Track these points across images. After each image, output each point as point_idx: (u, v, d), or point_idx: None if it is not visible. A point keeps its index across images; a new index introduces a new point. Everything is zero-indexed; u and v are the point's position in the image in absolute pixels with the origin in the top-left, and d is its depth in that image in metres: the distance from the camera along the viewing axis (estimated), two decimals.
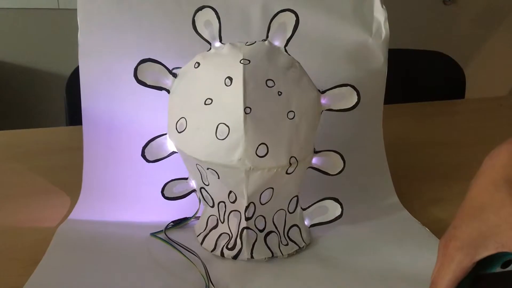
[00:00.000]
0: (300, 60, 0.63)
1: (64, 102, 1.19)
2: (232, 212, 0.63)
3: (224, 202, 0.63)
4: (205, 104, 0.58)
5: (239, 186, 0.59)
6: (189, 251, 0.64)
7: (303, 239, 0.67)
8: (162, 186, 0.68)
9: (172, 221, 0.70)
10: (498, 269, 0.41)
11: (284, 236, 0.66)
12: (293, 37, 0.61)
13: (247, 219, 0.62)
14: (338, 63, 0.82)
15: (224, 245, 0.64)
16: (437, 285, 0.43)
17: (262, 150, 0.57)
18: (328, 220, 0.67)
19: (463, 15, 2.53)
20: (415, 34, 2.26)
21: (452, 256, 0.43)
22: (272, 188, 0.61)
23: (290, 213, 0.66)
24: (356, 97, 0.62)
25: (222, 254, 0.64)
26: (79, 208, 0.73)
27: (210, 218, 0.66)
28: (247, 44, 0.61)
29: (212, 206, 0.65)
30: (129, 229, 0.70)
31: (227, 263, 0.63)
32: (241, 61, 0.58)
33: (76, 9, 0.76)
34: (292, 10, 0.60)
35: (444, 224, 0.71)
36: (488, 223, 0.41)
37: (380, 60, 0.83)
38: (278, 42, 0.62)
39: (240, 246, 0.63)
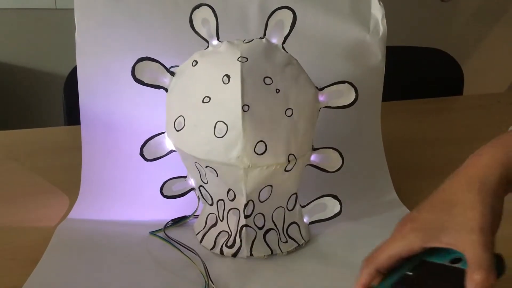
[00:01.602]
0: (298, 58, 0.63)
1: (62, 102, 1.19)
2: (231, 210, 0.63)
3: (223, 200, 0.63)
4: (203, 102, 0.58)
5: (237, 184, 0.59)
6: (188, 249, 0.64)
7: (302, 236, 0.67)
8: (161, 185, 0.68)
9: (171, 220, 0.70)
10: (446, 262, 0.42)
11: (284, 233, 0.66)
12: (291, 34, 0.61)
13: (246, 216, 0.62)
14: (335, 60, 0.82)
15: (223, 243, 0.64)
16: (377, 255, 0.44)
17: (260, 148, 0.57)
18: (327, 217, 0.67)
19: (461, 12, 2.53)
20: (413, 31, 2.26)
21: (405, 234, 0.43)
22: (271, 186, 0.61)
23: (289, 210, 0.66)
24: (354, 94, 0.62)
25: (221, 252, 0.64)
26: (78, 207, 0.73)
27: (209, 216, 0.67)
28: (245, 42, 0.61)
29: (211, 204, 0.65)
30: (128, 227, 0.70)
31: (227, 261, 0.63)
32: (239, 59, 0.58)
33: (73, 9, 0.75)
34: (290, 7, 0.60)
35: None
36: (453, 219, 0.41)
37: (378, 57, 0.83)
38: (276, 40, 0.62)
39: (240, 244, 0.63)
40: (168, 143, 0.65)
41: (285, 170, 0.60)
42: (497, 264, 0.39)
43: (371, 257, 0.44)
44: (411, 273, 0.43)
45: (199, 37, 0.62)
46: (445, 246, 0.41)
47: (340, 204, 0.66)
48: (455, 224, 0.41)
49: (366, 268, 0.44)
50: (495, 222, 0.41)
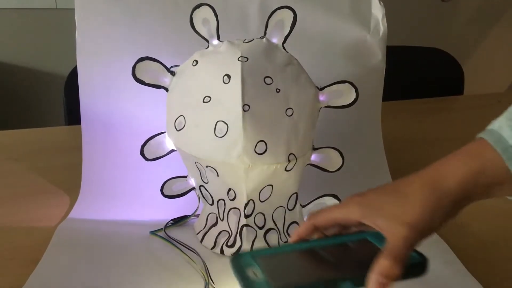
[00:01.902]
0: (298, 57, 0.63)
1: (62, 101, 1.19)
2: (232, 210, 0.63)
3: (223, 200, 0.63)
4: (203, 102, 0.58)
5: (238, 183, 0.59)
6: (189, 249, 0.64)
7: None
8: (161, 185, 0.68)
9: (172, 219, 0.70)
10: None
11: (284, 233, 0.66)
12: (291, 34, 0.61)
13: (246, 216, 0.62)
14: (336, 60, 0.82)
15: (224, 243, 0.64)
16: (319, 213, 0.46)
17: (261, 147, 0.57)
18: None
19: (461, 12, 2.53)
20: (413, 30, 2.26)
21: (347, 204, 0.45)
22: (271, 185, 0.61)
23: (289, 210, 0.66)
24: (355, 93, 0.62)
25: (222, 251, 0.64)
26: (78, 207, 0.73)
27: (209, 216, 0.67)
28: (245, 41, 0.61)
29: (212, 204, 0.65)
30: (129, 227, 0.70)
31: (227, 261, 0.63)
32: (239, 59, 0.58)
33: (73, 9, 0.76)
34: (290, 7, 0.60)
35: None
36: (393, 207, 0.43)
37: (378, 56, 0.83)
38: (276, 40, 0.62)
39: (240, 244, 0.63)
40: (168, 142, 0.65)
41: (286, 170, 0.60)
42: (419, 265, 0.42)
43: (314, 214, 0.47)
44: (342, 242, 0.45)
45: (200, 37, 0.62)
46: (376, 228, 0.43)
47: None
48: (392, 212, 0.42)
49: (307, 221, 0.47)
50: (433, 226, 0.42)
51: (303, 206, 0.68)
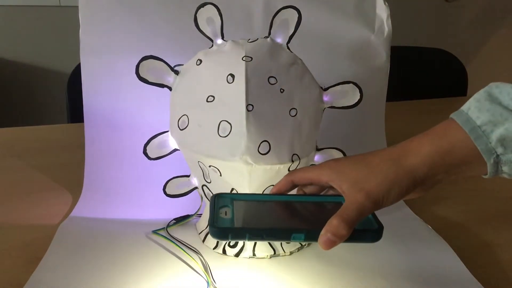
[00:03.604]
0: (302, 57, 0.63)
1: (65, 99, 1.19)
2: None
3: None
4: (207, 101, 0.58)
5: (241, 183, 0.59)
6: (191, 249, 0.64)
7: None
8: (164, 184, 0.67)
9: (174, 219, 0.70)
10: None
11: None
12: (295, 34, 0.61)
13: None
14: (340, 60, 0.82)
15: (226, 243, 0.64)
16: (297, 171, 0.52)
17: (264, 148, 0.57)
18: None
19: (466, 13, 2.53)
20: (418, 31, 2.26)
21: (322, 167, 0.50)
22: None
23: None
24: (359, 94, 0.62)
25: (224, 251, 0.64)
26: (80, 206, 0.73)
27: None
28: (249, 41, 0.61)
29: None
30: (131, 226, 0.70)
31: (229, 261, 0.63)
32: (243, 58, 0.57)
33: (77, 7, 0.75)
34: (294, 7, 0.60)
35: (447, 221, 0.71)
36: (356, 174, 0.46)
37: (382, 57, 0.83)
38: (280, 39, 0.62)
39: (242, 244, 0.63)
40: (171, 142, 0.65)
41: (289, 170, 0.60)
42: (374, 231, 0.45)
43: (292, 171, 0.52)
44: (318, 201, 0.50)
45: (204, 36, 0.62)
46: (340, 191, 0.47)
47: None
48: (355, 178, 0.46)
49: (285, 177, 0.52)
50: (389, 199, 0.45)
51: None
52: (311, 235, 0.43)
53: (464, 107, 0.47)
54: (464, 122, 0.46)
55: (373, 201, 0.44)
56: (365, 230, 0.44)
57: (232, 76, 0.57)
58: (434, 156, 0.46)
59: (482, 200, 0.81)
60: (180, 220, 0.70)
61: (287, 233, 0.43)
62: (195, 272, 0.60)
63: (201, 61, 0.61)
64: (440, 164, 0.46)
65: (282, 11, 0.60)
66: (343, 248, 0.67)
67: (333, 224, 0.42)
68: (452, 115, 0.48)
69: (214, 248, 0.65)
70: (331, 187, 0.49)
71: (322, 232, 0.42)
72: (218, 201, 0.48)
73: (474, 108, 0.46)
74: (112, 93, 0.77)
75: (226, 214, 0.45)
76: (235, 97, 0.56)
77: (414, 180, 0.45)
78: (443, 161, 0.45)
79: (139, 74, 0.61)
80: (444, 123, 0.48)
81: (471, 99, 0.48)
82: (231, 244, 0.64)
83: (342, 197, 0.47)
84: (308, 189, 0.52)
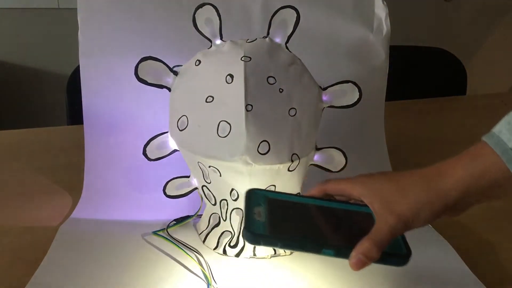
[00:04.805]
0: (301, 57, 0.63)
1: (65, 101, 1.19)
2: (234, 210, 0.63)
3: (226, 200, 0.63)
4: (206, 101, 0.58)
5: (241, 183, 0.59)
6: (191, 249, 0.64)
7: None
8: (163, 185, 0.67)
9: (174, 219, 0.70)
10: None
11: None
12: (294, 34, 0.61)
13: None
14: (339, 60, 0.82)
15: (226, 243, 0.64)
16: (331, 181, 0.51)
17: (264, 148, 0.57)
18: None
19: (465, 12, 2.53)
20: (417, 30, 2.26)
21: (356, 181, 0.49)
22: (274, 186, 0.61)
23: None
24: (358, 93, 0.62)
25: (224, 252, 0.64)
26: (80, 207, 0.73)
27: (212, 216, 0.66)
28: (248, 41, 0.61)
29: (214, 204, 0.65)
30: (131, 227, 0.70)
31: (230, 261, 0.63)
32: (242, 58, 0.57)
33: (76, 9, 0.76)
34: (293, 6, 0.60)
35: (446, 220, 0.71)
36: (389, 195, 0.46)
37: (381, 56, 0.83)
38: (279, 39, 0.62)
39: (243, 244, 0.63)
40: (171, 142, 0.65)
41: (289, 170, 0.60)
42: (402, 256, 0.44)
43: (327, 180, 0.51)
44: (348, 209, 0.49)
45: (202, 37, 0.62)
46: (371, 209, 0.46)
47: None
48: (387, 198, 0.45)
49: (319, 184, 0.51)
50: (421, 221, 0.45)
51: None
52: (341, 253, 0.43)
53: (495, 129, 0.47)
54: (496, 145, 0.45)
55: (404, 223, 0.44)
56: (393, 254, 0.44)
57: (231, 76, 0.57)
58: (467, 180, 0.45)
59: (483, 202, 0.81)
60: (180, 221, 0.70)
61: (317, 247, 0.43)
62: (196, 273, 0.60)
63: (200, 61, 0.61)
64: (473, 188, 0.45)
65: (281, 11, 0.60)
66: None
67: (365, 246, 0.42)
68: (484, 138, 0.47)
69: (214, 249, 0.65)
70: (361, 201, 0.48)
71: (353, 253, 0.43)
72: (252, 198, 0.48)
73: (505, 131, 0.46)
74: (111, 95, 0.77)
75: (259, 216, 0.45)
76: (234, 97, 0.56)
77: (446, 203, 0.45)
78: (475, 185, 0.45)
79: (138, 75, 0.61)
80: (476, 145, 0.48)
81: (502, 121, 0.47)
82: (231, 244, 0.64)
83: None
84: (338, 198, 0.52)
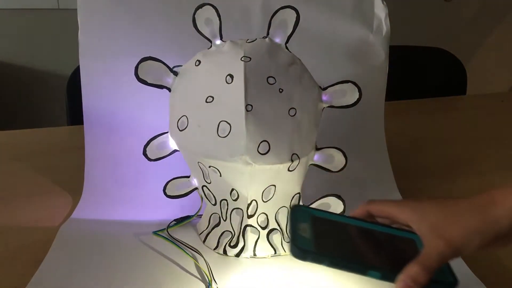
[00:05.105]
0: (301, 57, 0.63)
1: (65, 102, 1.19)
2: (235, 210, 0.63)
3: (226, 200, 0.63)
4: (206, 102, 0.58)
5: (241, 183, 0.59)
6: (191, 249, 0.64)
7: None
8: (164, 185, 0.68)
9: (175, 220, 0.70)
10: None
11: (287, 233, 0.65)
12: (294, 34, 0.61)
13: (249, 216, 0.62)
14: (339, 60, 0.82)
15: (226, 243, 0.64)
16: (376, 202, 0.50)
17: (264, 148, 0.57)
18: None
19: (464, 12, 2.53)
20: (416, 30, 2.26)
21: (404, 204, 0.48)
22: (274, 186, 0.61)
23: None
24: (358, 93, 0.62)
25: (225, 252, 0.64)
26: (81, 208, 0.73)
27: (212, 216, 0.66)
28: (248, 41, 0.61)
29: (214, 204, 0.65)
30: (131, 227, 0.70)
31: (230, 261, 0.63)
32: (242, 59, 0.57)
33: (76, 9, 0.76)
34: (293, 7, 0.60)
35: None
36: (439, 220, 0.45)
37: (381, 56, 0.83)
38: (279, 39, 0.62)
39: (243, 244, 0.63)
40: (171, 143, 0.65)
41: (289, 170, 0.60)
42: (448, 284, 0.43)
43: (371, 201, 0.50)
44: (390, 233, 0.49)
45: (202, 37, 0.62)
46: (419, 234, 0.45)
47: (344, 203, 0.66)
48: (436, 224, 0.45)
49: (362, 205, 0.50)
50: (470, 248, 0.44)
51: None
52: (388, 276, 0.43)
53: None
54: None
55: (454, 249, 0.43)
56: (440, 282, 0.43)
57: (231, 76, 0.57)
58: None
59: None
60: (181, 221, 0.70)
61: (364, 269, 0.43)
62: (196, 273, 0.60)
63: (200, 61, 0.61)
64: None
65: (281, 11, 0.60)
66: None
67: (414, 270, 0.42)
68: None
69: (214, 249, 0.65)
70: (408, 226, 0.48)
71: (402, 277, 0.42)
72: (296, 215, 0.48)
73: None
74: (111, 95, 0.77)
75: (305, 232, 0.45)
76: (234, 97, 0.56)
77: (497, 232, 0.44)
78: None
79: (138, 75, 0.61)
80: None
81: None
82: (231, 244, 0.64)
83: (415, 235, 0.47)
84: (380, 220, 0.51)
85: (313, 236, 0.45)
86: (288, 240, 0.65)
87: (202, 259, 0.62)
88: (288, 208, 0.65)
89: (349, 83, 0.62)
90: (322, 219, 0.49)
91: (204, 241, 0.66)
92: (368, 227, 0.49)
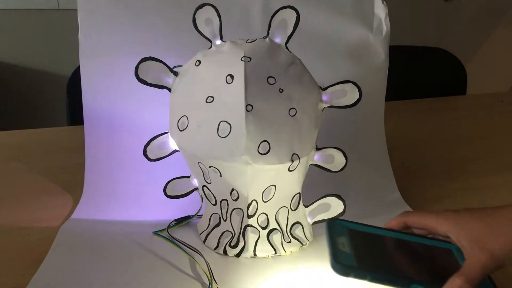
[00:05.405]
0: (301, 57, 0.63)
1: (65, 102, 1.20)
2: (235, 210, 0.63)
3: (226, 200, 0.63)
4: (206, 102, 0.58)
5: (241, 183, 0.59)
6: (192, 249, 0.64)
7: (306, 237, 0.67)
8: (164, 185, 0.68)
9: (175, 220, 0.70)
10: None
11: (287, 233, 0.65)
12: (294, 34, 0.61)
13: (249, 216, 0.62)
14: (339, 60, 0.82)
15: (227, 243, 0.64)
16: (413, 213, 0.50)
17: (264, 148, 0.57)
18: (331, 217, 0.67)
19: (464, 12, 2.53)
20: (416, 30, 2.26)
21: (442, 216, 0.48)
22: (275, 186, 0.61)
23: (292, 210, 0.66)
24: (358, 93, 0.62)
25: (225, 252, 0.64)
26: (81, 208, 0.73)
27: (212, 216, 0.66)
28: (248, 41, 0.61)
29: (215, 204, 0.65)
30: (132, 227, 0.70)
31: (230, 261, 0.63)
32: (242, 59, 0.57)
33: (76, 9, 0.76)
34: (293, 7, 0.60)
35: None
36: (479, 232, 0.45)
37: (381, 56, 0.83)
38: (279, 39, 0.62)
39: (243, 244, 0.63)
40: (171, 143, 0.65)
41: (289, 170, 0.60)
42: None
43: (408, 213, 0.50)
44: (428, 244, 0.48)
45: (202, 37, 0.62)
46: (459, 246, 0.45)
47: (344, 203, 0.66)
48: (477, 236, 0.44)
49: (399, 217, 0.50)
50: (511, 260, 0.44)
51: (306, 206, 0.67)
52: None
53: None
54: None
55: (496, 261, 0.43)
56: None
57: (231, 76, 0.57)
58: None
59: (482, 200, 0.81)
60: (181, 221, 0.70)
61: (407, 282, 0.42)
62: (196, 273, 0.60)
63: (200, 62, 0.61)
64: None
65: (281, 11, 0.60)
66: None
67: (457, 283, 0.42)
68: None
69: (215, 249, 0.65)
70: (447, 237, 0.48)
71: None
72: (333, 228, 0.47)
73: None
74: (111, 95, 0.77)
75: (344, 247, 0.45)
76: (234, 97, 0.56)
77: None
78: None
79: (138, 75, 0.61)
80: None
81: None
82: (232, 244, 0.64)
83: (452, 245, 0.47)
84: (417, 231, 0.51)
85: (352, 251, 0.44)
86: (288, 240, 0.65)
87: (202, 259, 0.62)
88: (289, 208, 0.65)
89: (349, 83, 0.62)
90: (359, 232, 0.48)
91: (204, 241, 0.66)
92: (405, 238, 0.48)
